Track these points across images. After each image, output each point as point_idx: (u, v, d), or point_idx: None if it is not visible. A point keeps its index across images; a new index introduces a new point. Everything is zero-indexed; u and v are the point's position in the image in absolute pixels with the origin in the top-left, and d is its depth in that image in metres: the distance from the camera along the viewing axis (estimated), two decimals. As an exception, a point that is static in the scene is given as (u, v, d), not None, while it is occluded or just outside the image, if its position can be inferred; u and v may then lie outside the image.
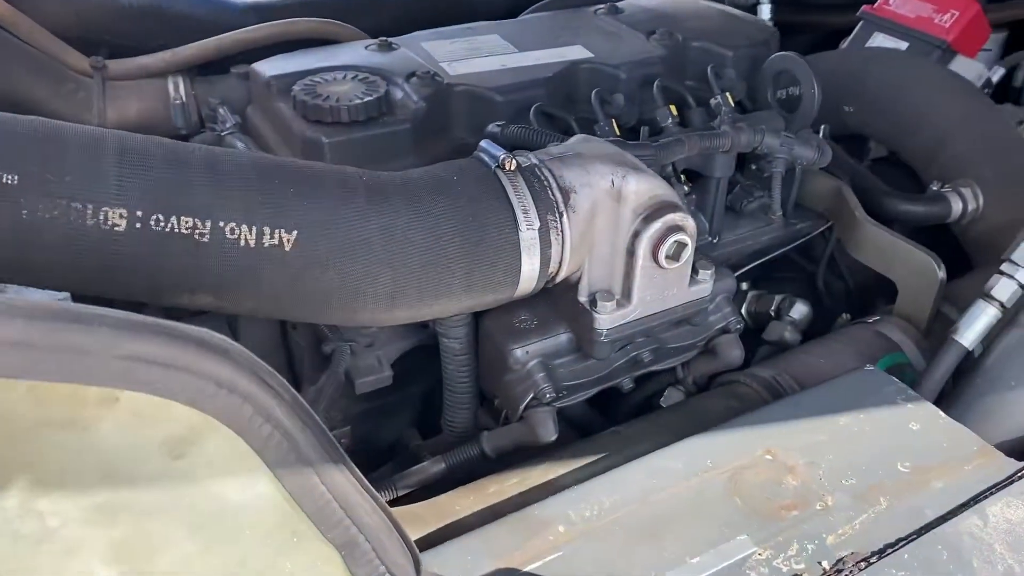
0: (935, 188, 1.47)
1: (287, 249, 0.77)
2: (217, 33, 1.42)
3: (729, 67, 1.39)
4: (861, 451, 0.91)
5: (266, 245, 0.76)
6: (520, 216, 0.86)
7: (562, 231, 0.89)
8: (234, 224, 0.75)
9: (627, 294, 0.97)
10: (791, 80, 1.37)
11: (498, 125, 1.19)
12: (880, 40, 1.96)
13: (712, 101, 1.31)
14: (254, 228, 0.75)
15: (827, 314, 1.57)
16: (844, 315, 1.33)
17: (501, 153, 0.88)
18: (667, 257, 0.94)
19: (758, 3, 2.21)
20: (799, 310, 1.35)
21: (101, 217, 0.71)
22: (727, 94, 1.31)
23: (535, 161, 0.91)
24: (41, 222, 0.69)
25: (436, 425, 1.21)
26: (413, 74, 1.25)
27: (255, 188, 0.76)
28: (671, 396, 1.23)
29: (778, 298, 1.39)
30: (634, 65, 1.33)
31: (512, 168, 0.87)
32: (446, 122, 1.25)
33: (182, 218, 0.73)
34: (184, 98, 1.38)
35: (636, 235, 0.93)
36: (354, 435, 1.24)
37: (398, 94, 1.22)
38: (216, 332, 0.54)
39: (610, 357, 1.04)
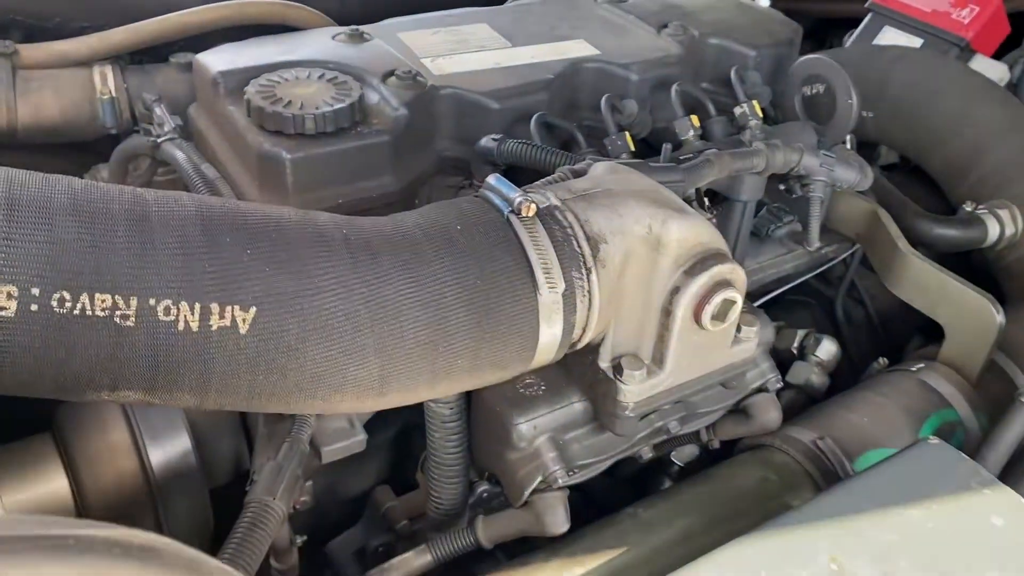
0: (968, 209, 1.32)
1: (243, 332, 0.57)
2: (153, 14, 1.20)
3: (752, 69, 1.22)
4: (941, 556, 0.76)
5: (214, 328, 0.56)
6: (540, 277, 0.68)
7: (589, 291, 0.71)
8: (169, 302, 0.55)
9: (659, 360, 0.79)
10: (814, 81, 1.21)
11: (494, 139, 1.00)
12: (890, 35, 1.81)
13: (737, 110, 1.14)
14: (197, 306, 0.56)
15: (846, 345, 1.43)
16: (881, 359, 1.17)
17: (515, 194, 0.69)
18: (712, 318, 0.76)
19: (757, -10, 2.06)
20: (826, 349, 1.19)
21: (-21, 298, 0.51)
22: (754, 102, 1.14)
23: (555, 202, 0.72)
24: None
25: (409, 477, 1.04)
26: (391, 73, 1.05)
27: (198, 250, 0.57)
28: (684, 452, 1.07)
29: (801, 333, 1.22)
30: (647, 65, 1.15)
31: (530, 214, 0.68)
32: (429, 131, 1.06)
33: (96, 296, 0.53)
34: (114, 91, 1.15)
35: (675, 291, 0.76)
36: (315, 490, 1.06)
37: (373, 98, 1.02)
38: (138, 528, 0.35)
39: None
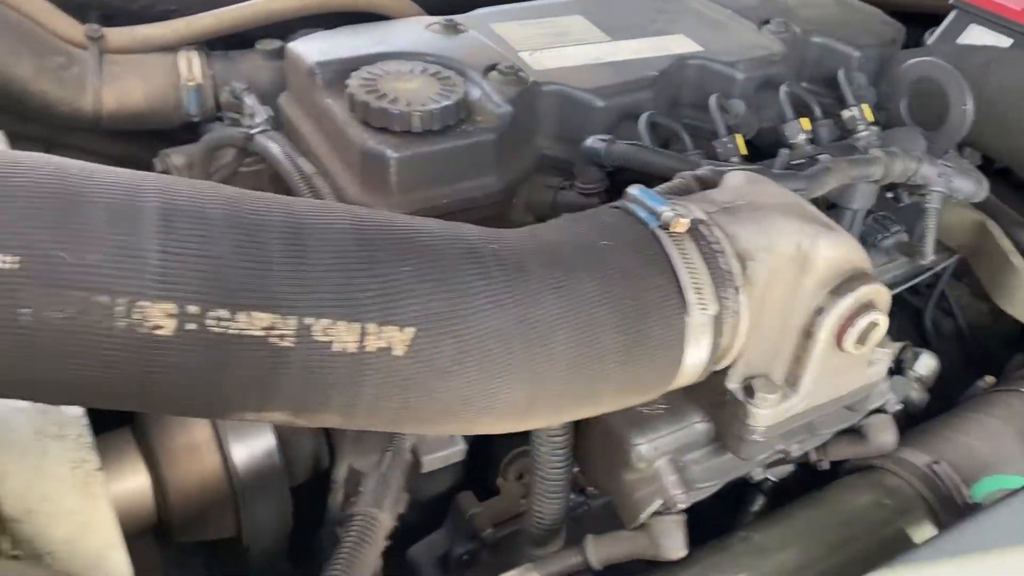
0: (1071, 220, 1.27)
1: (399, 353, 0.54)
2: (237, -2, 1.16)
3: (857, 70, 1.17)
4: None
5: (370, 349, 0.53)
6: (692, 297, 0.64)
7: (737, 312, 0.67)
8: (327, 321, 0.52)
9: (793, 382, 0.75)
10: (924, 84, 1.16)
11: (602, 139, 0.96)
12: (976, 34, 1.74)
13: (845, 113, 1.09)
14: (355, 326, 0.52)
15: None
16: (988, 378, 1.13)
17: (663, 207, 0.65)
18: (855, 341, 0.72)
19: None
20: (926, 364, 1.15)
21: (137, 316, 0.47)
22: (864, 106, 1.09)
23: (700, 215, 0.68)
24: (48, 324, 0.46)
25: (486, 480, 1.02)
26: (493, 67, 1.01)
27: (355, 266, 0.53)
28: (779, 467, 1.03)
29: (897, 346, 1.18)
30: (752, 63, 1.10)
31: (681, 230, 0.64)
32: (530, 128, 1.02)
33: (254, 314, 0.50)
34: (199, 78, 1.12)
35: (819, 312, 0.71)
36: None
37: (475, 93, 0.98)
38: None
39: (753, 451, 0.82)
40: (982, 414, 1.02)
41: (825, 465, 0.97)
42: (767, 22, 1.19)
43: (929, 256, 1.05)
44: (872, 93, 1.15)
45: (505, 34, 1.11)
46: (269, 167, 1.05)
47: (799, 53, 1.17)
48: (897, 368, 1.16)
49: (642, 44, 1.11)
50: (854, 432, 0.94)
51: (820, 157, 1.04)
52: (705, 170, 0.84)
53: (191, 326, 0.48)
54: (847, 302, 0.71)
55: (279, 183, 1.05)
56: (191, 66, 1.11)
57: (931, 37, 1.83)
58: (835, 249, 0.70)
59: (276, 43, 1.15)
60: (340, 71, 0.98)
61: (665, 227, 0.65)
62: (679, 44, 1.12)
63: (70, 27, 1.06)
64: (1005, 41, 1.71)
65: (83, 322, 0.46)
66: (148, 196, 0.50)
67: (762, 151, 1.09)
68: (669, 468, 0.79)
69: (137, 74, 1.09)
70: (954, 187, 1.02)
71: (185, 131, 1.15)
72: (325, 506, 0.98)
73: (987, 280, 1.14)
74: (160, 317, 0.48)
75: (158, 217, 0.49)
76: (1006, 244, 1.10)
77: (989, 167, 1.46)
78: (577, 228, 0.65)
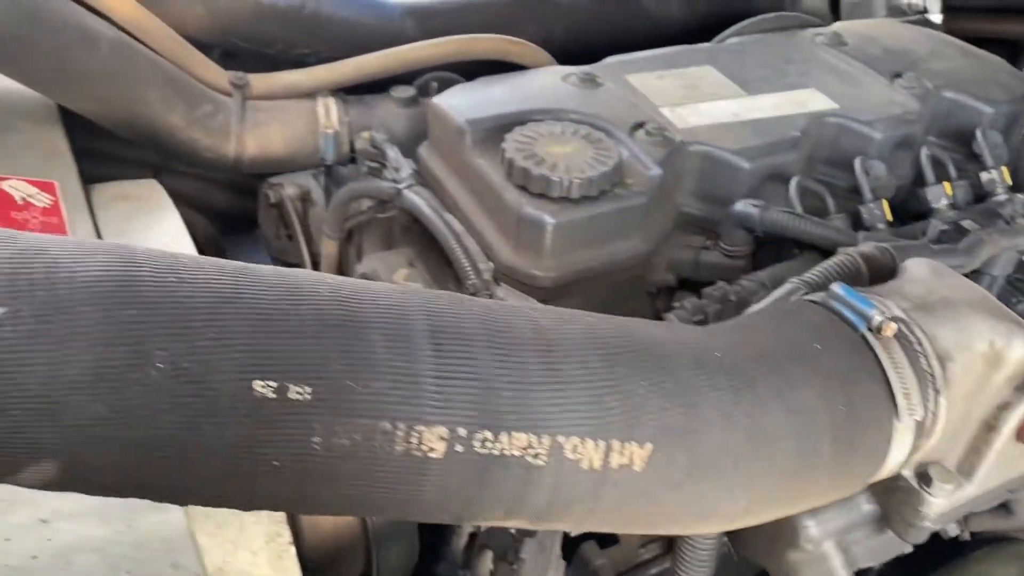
0: None
1: (637, 469, 0.55)
2: (371, 40, 1.18)
3: (990, 127, 1.16)
4: None
5: (613, 465, 0.54)
6: (902, 402, 0.64)
7: (936, 413, 0.68)
8: (577, 439, 0.53)
9: (968, 472, 0.75)
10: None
11: (754, 205, 0.96)
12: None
13: (984, 176, 1.08)
14: (601, 443, 0.53)
15: None
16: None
17: (871, 310, 0.65)
18: (1037, 436, 0.72)
19: (926, 11, 1.97)
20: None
21: (414, 440, 0.49)
22: (1003, 169, 1.08)
23: (898, 313, 0.68)
24: (335, 451, 0.47)
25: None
26: (639, 126, 1.02)
27: (601, 383, 0.54)
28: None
29: None
30: (889, 123, 1.10)
31: (890, 334, 0.65)
32: (674, 188, 1.02)
33: (514, 434, 0.51)
34: (336, 125, 1.13)
35: (1004, 407, 0.72)
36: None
37: (623, 153, 0.99)
38: None
39: (915, 531, 0.83)
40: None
41: (966, 536, 0.97)
42: (899, 75, 1.18)
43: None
44: (1006, 151, 1.14)
45: (642, 87, 1.11)
46: (402, 216, 1.07)
47: (931, 108, 1.16)
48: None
49: (778, 99, 1.11)
50: (1001, 507, 0.94)
51: (963, 223, 1.04)
52: (870, 247, 0.84)
53: (459, 448, 0.50)
54: (1035, 399, 0.71)
55: (411, 234, 1.07)
56: (329, 112, 1.12)
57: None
58: (1029, 348, 0.70)
59: (410, 91, 1.16)
60: (490, 130, 0.99)
61: (876, 331, 0.65)
62: (814, 100, 1.12)
63: (217, 75, 1.07)
64: (1113, 80, 1.69)
65: (366, 448, 0.48)
66: (416, 316, 0.51)
67: (895, 209, 1.09)
68: (835, 550, 0.80)
69: (278, 120, 1.11)
70: (1100, 258, 1.02)
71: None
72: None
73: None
74: (434, 440, 0.49)
75: (428, 339, 0.50)
76: None
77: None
78: (788, 330, 0.65)
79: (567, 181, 0.90)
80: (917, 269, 0.76)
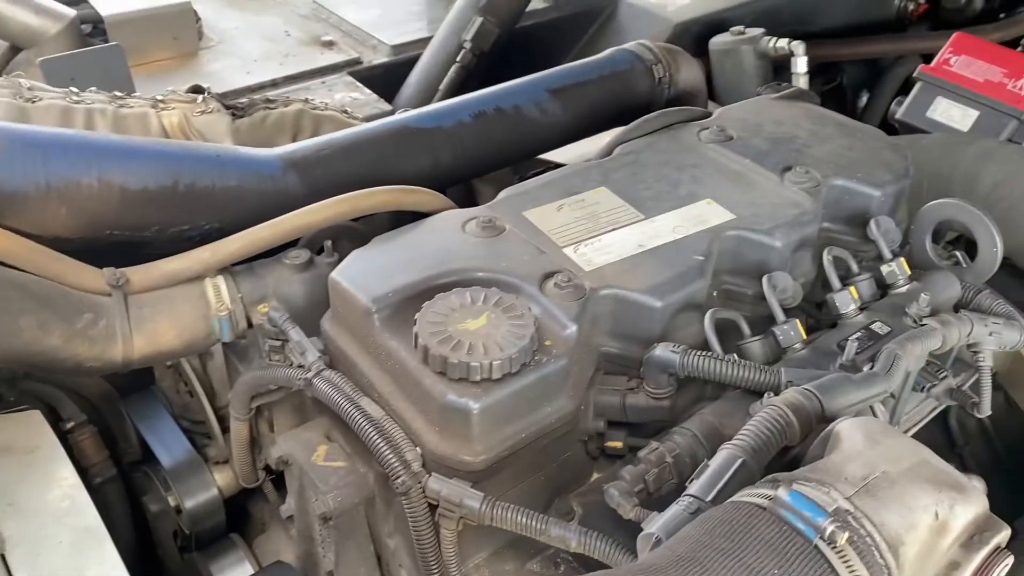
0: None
1: None
2: (254, 204, 1.12)
3: (877, 213, 1.18)
4: None
5: None
6: (860, 606, 0.64)
7: (893, 599, 0.68)
8: None
9: (922, 625, 0.76)
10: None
11: (673, 351, 0.95)
12: (944, 106, 1.80)
13: (884, 269, 1.11)
14: None
15: (963, 457, 1.43)
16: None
17: (823, 520, 0.65)
18: (987, 585, 0.74)
19: (792, 55, 2.03)
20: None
21: None
22: (901, 260, 1.11)
23: (844, 504, 0.68)
24: None
25: None
26: (548, 276, 0.99)
27: None
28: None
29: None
30: (787, 228, 1.11)
31: (843, 541, 0.64)
32: (591, 333, 1.00)
33: None
34: (230, 304, 1.07)
35: (954, 567, 0.72)
36: None
37: (537, 311, 0.96)
38: None
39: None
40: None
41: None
42: (788, 168, 1.20)
43: (987, 412, 1.08)
44: (899, 234, 1.17)
45: (543, 224, 1.09)
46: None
47: (822, 200, 1.18)
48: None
49: (676, 219, 1.11)
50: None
51: (873, 326, 1.06)
52: (795, 396, 0.85)
53: None
54: (981, 556, 0.72)
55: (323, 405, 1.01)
56: (219, 293, 1.06)
57: (900, 108, 1.89)
58: (969, 512, 0.71)
59: (303, 254, 1.10)
60: (397, 305, 0.95)
61: (828, 542, 0.64)
62: (712, 214, 1.12)
63: (93, 279, 0.99)
64: (973, 114, 1.78)
65: None
66: None
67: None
68: None
69: (165, 313, 1.03)
70: (1003, 341, 1.05)
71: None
72: None
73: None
74: None
75: None
76: (1047, 378, 1.13)
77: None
78: (749, 559, 0.64)
79: (487, 364, 0.87)
80: (851, 439, 0.76)
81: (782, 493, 0.68)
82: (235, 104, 1.35)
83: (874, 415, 1.01)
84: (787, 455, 0.87)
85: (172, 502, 1.28)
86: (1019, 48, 2.02)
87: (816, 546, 0.65)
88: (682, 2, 2.20)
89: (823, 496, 0.68)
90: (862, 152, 1.26)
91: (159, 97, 1.31)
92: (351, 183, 1.16)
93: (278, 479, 1.20)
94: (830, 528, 0.64)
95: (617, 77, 1.45)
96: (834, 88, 2.64)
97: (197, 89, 1.34)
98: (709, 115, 1.36)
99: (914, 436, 1.23)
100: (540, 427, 0.93)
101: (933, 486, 0.71)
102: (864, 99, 2.51)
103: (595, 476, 1.06)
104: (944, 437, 1.42)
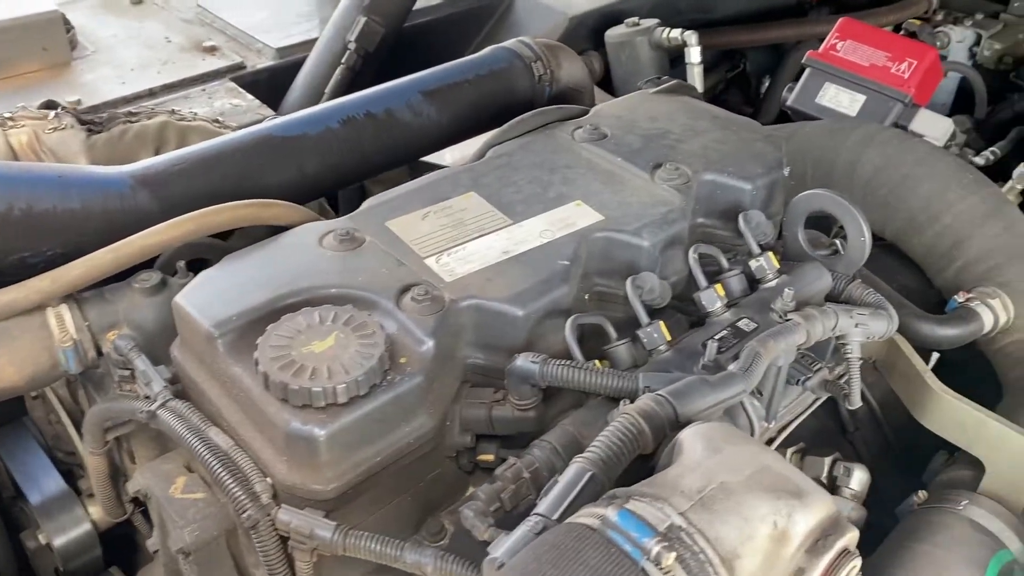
0: (960, 301, 1.34)
1: None
2: (102, 225, 1.06)
3: (750, 206, 1.17)
4: None
5: None
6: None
7: (730, 614, 0.66)
8: None
9: (776, 632, 0.75)
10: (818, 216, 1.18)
11: (533, 361, 0.93)
12: (832, 92, 1.81)
13: (753, 263, 1.10)
14: None
15: (854, 444, 1.44)
16: (921, 493, 1.17)
17: (649, 540, 0.63)
18: (835, 588, 0.73)
19: (685, 45, 2.02)
20: (859, 480, 1.18)
21: None
22: (770, 255, 1.10)
23: (677, 520, 0.66)
24: None
25: None
26: (405, 290, 0.96)
27: None
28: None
29: (827, 462, 1.21)
30: (655, 227, 1.09)
31: (670, 562, 0.62)
32: (453, 346, 0.97)
33: None
34: (75, 334, 1.01)
35: (799, 573, 0.71)
36: None
37: (391, 326, 0.93)
38: None
39: None
40: (926, 545, 1.06)
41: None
42: (659, 166, 1.18)
43: (857, 403, 1.08)
44: (771, 227, 1.16)
45: (405, 234, 1.05)
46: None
47: (693, 196, 1.17)
48: (831, 486, 1.19)
49: (544, 222, 1.08)
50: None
51: (740, 323, 1.05)
52: (648, 403, 0.83)
53: None
54: (827, 559, 0.71)
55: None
56: (63, 323, 1.00)
57: (790, 95, 1.90)
58: (810, 519, 0.70)
59: (154, 277, 1.05)
60: (242, 329, 0.91)
61: (655, 562, 0.62)
62: (580, 216, 1.10)
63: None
64: (860, 98, 1.79)
65: None
66: None
67: (680, 297, 1.09)
68: None
69: (3, 350, 0.97)
70: (870, 332, 1.05)
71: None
72: None
73: (904, 396, 1.18)
74: None
75: None
76: (918, 362, 1.14)
77: (877, 240, 1.53)
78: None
79: (331, 388, 0.83)
80: (692, 448, 0.74)
81: (611, 513, 0.66)
82: (92, 119, 1.28)
83: (746, 414, 1.01)
84: (649, 462, 0.86)
85: (43, 539, 1.22)
86: (901, 32, 2.04)
87: (643, 568, 0.63)
88: (579, -7, 2.18)
89: (656, 513, 0.66)
90: (734, 145, 1.25)
91: (7, 115, 1.24)
92: (210, 198, 1.11)
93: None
94: (656, 549, 0.62)
95: (495, 76, 1.42)
96: (738, 75, 2.67)
97: (50, 104, 1.28)
98: (587, 112, 1.34)
99: (803, 426, 1.24)
100: (398, 448, 0.90)
101: (772, 494, 0.70)
102: (767, 85, 2.53)
103: (471, 491, 1.03)
104: (836, 424, 1.42)
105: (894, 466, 1.40)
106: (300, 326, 0.90)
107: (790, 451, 1.26)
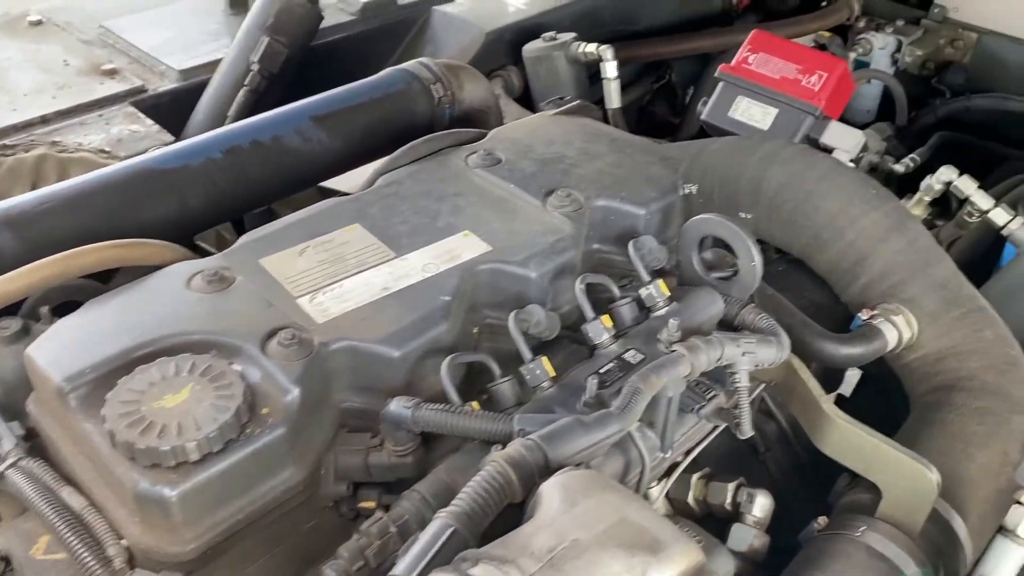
0: (864, 318, 1.33)
1: None
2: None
3: (644, 231, 1.15)
4: None
5: None
6: None
7: None
8: None
9: None
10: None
11: (406, 406, 0.89)
12: (745, 106, 1.80)
13: (643, 292, 1.07)
14: None
15: (765, 462, 1.42)
16: (820, 520, 1.15)
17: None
18: (701, 640, 0.70)
19: (601, 60, 2.00)
20: (762, 506, 1.16)
21: None
22: (659, 282, 1.08)
23: (524, 583, 0.63)
24: None
25: None
26: (272, 334, 0.92)
27: None
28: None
29: (731, 488, 1.19)
30: (543, 257, 1.07)
31: (506, 633, 0.59)
32: (325, 392, 0.93)
33: None
34: (-80, 390, 0.95)
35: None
36: None
37: (255, 375, 0.89)
38: None
39: None
40: (826, 573, 1.04)
41: None
42: (551, 192, 1.16)
43: (748, 433, 1.06)
44: (664, 252, 1.14)
45: (279, 273, 1.01)
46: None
47: (586, 223, 1.14)
48: (734, 513, 1.17)
49: (429, 255, 1.05)
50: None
51: (626, 355, 1.02)
52: (518, 450, 0.80)
53: None
54: (688, 614, 0.68)
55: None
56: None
57: (704, 108, 1.88)
58: (666, 573, 0.67)
59: (15, 324, 0.99)
60: (94, 383, 0.86)
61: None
62: (467, 247, 1.06)
63: None
64: (772, 111, 1.79)
65: None
66: None
67: (573, 327, 1.07)
68: None
69: None
70: (758, 360, 1.03)
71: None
72: None
73: (803, 420, 1.16)
74: None
75: None
76: (814, 387, 1.12)
77: (786, 256, 1.52)
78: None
79: (180, 446, 0.79)
80: (549, 502, 0.71)
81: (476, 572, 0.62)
82: (-39, 154, 1.22)
83: (636, 447, 0.99)
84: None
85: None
86: (812, 45, 2.05)
87: (480, 641, 0.60)
88: (495, 9, 2.15)
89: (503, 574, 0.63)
90: (629, 169, 1.23)
91: None
92: (79, 238, 1.06)
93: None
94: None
95: (392, 99, 1.39)
96: (664, 85, 2.66)
97: (-82, 138, 1.21)
98: (484, 136, 1.31)
99: (714, 448, 1.22)
100: (263, 504, 0.86)
101: (626, 551, 0.67)
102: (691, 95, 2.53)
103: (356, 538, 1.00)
104: (747, 445, 1.40)
105: (806, 484, 1.39)
106: (154, 378, 0.85)
107: (695, 477, 1.23)
